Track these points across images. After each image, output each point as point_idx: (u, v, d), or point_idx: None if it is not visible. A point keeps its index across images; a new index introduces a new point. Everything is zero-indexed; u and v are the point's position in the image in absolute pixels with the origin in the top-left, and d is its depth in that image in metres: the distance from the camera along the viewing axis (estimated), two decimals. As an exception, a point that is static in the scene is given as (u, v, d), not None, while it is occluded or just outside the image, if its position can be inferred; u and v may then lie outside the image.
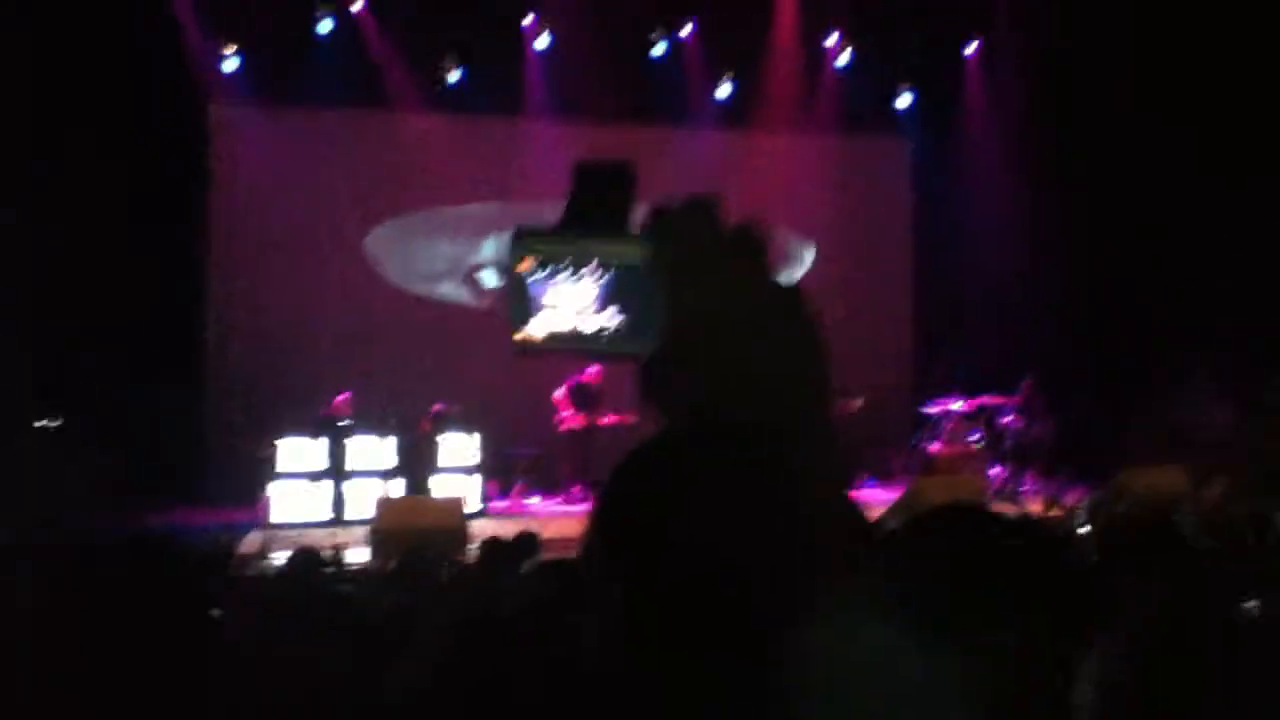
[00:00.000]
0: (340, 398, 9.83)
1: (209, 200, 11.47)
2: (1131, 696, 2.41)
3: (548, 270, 2.43)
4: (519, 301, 2.38)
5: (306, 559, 5.91)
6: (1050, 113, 12.16)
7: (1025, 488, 10.86)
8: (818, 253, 13.70)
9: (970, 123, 13.65)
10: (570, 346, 2.54)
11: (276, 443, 9.14)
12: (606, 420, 10.44)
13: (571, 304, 2.40)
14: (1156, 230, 11.21)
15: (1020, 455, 11.19)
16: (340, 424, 9.51)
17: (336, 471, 9.10)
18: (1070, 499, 9.53)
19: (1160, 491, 8.77)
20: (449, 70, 11.98)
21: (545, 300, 2.41)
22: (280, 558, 6.44)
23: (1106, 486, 9.44)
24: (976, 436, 11.35)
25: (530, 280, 2.44)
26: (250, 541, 8.24)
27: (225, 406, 10.92)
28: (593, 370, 10.60)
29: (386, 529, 7.44)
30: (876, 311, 13.42)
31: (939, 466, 10.91)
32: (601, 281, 2.36)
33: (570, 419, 10.67)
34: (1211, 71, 10.75)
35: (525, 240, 2.45)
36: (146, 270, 9.99)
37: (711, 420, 1.59)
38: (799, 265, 13.78)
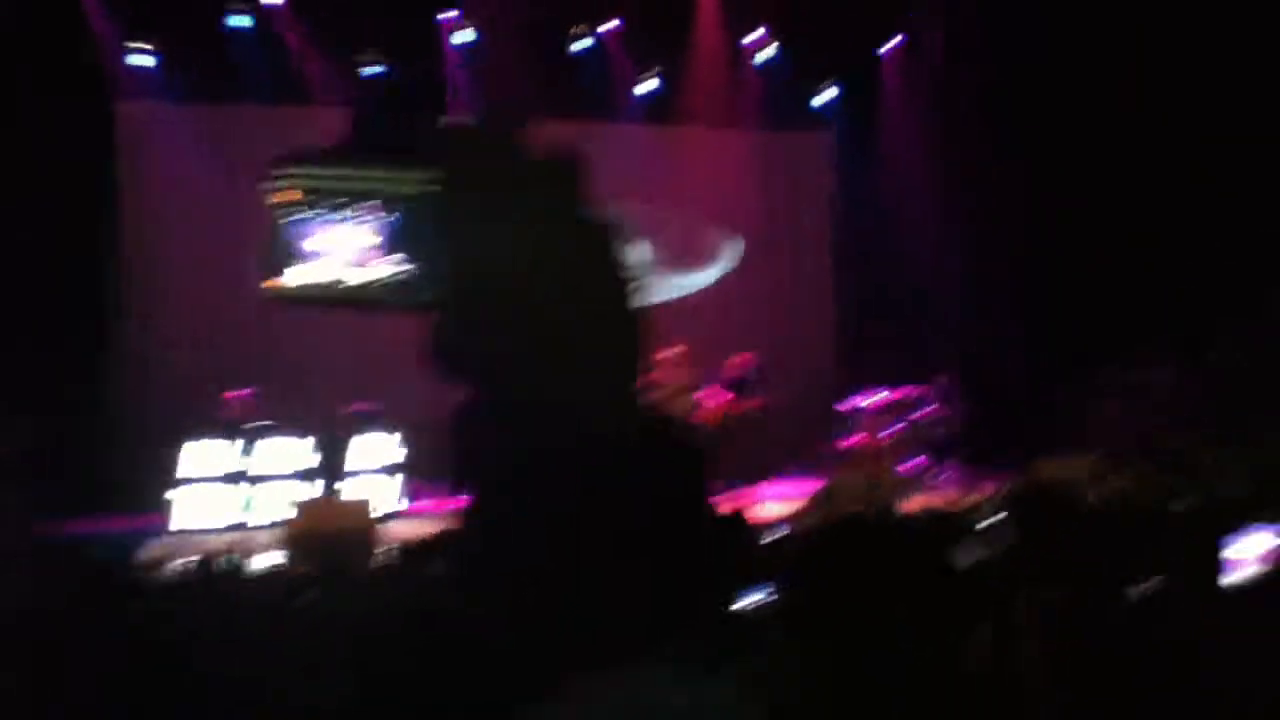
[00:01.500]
0: (238, 395, 9.63)
1: (117, 200, 11.25)
2: (1035, 675, 2.43)
3: (316, 208, 2.00)
4: (274, 242, 2.09)
5: (206, 565, 5.84)
6: (969, 108, 12.33)
7: (944, 477, 11.02)
8: (740, 247, 13.78)
9: (890, 117, 13.80)
10: (331, 297, 2.12)
11: (185, 446, 9.00)
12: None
13: (344, 251, 2.03)
14: (1071, 224, 11.41)
15: (939, 446, 11.35)
16: (252, 425, 9.39)
17: (246, 475, 8.97)
18: (986, 488, 9.67)
19: (1069, 480, 8.95)
20: (368, 65, 11.86)
21: (310, 244, 2.03)
22: (181, 564, 6.35)
23: (1019, 476, 9.61)
24: (897, 428, 11.49)
25: (291, 219, 2.02)
26: (152, 548, 8.11)
27: (134, 411, 10.73)
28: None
29: (298, 532, 7.33)
30: (800, 304, 13.55)
31: (858, 458, 11.02)
32: (387, 222, 2.07)
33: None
34: (1124, 64, 10.96)
35: (288, 167, 2.04)
36: (50, 270, 9.79)
37: (504, 393, 1.44)
38: (728, 260, 13.85)
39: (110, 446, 10.54)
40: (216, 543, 8.20)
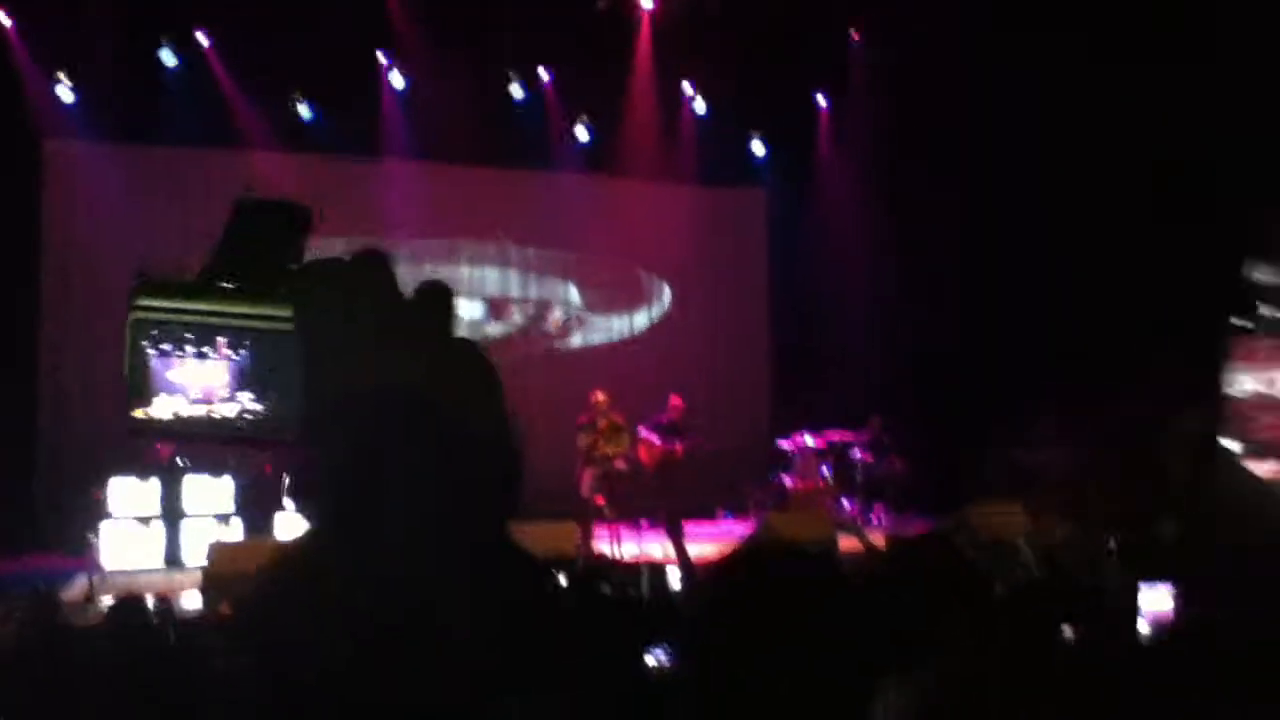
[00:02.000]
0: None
1: (41, 239, 11.05)
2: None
3: (168, 342, 1.86)
4: (140, 370, 1.90)
5: (128, 608, 5.68)
6: (899, 160, 12.58)
7: (874, 521, 11.11)
8: (675, 295, 13.90)
9: (822, 171, 14.06)
10: (201, 433, 1.95)
11: (107, 483, 8.79)
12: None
13: (199, 388, 1.90)
14: (999, 275, 11.64)
15: (869, 489, 11.46)
16: (173, 464, 9.20)
17: (170, 514, 8.77)
18: (914, 532, 9.75)
19: (999, 526, 9.09)
20: (297, 107, 11.84)
21: (171, 377, 1.89)
22: (105, 604, 6.19)
23: (949, 520, 9.72)
24: (827, 471, 11.58)
25: (150, 350, 1.86)
26: (76, 588, 7.90)
27: (56, 449, 10.47)
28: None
29: (217, 574, 7.19)
30: (734, 352, 13.67)
31: (791, 500, 11.08)
32: (237, 359, 1.94)
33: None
34: (1050, 119, 11.25)
35: (147, 297, 1.92)
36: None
37: (354, 537, 1.35)
38: (657, 305, 13.96)
39: (32, 484, 10.28)
40: (143, 583, 8.02)
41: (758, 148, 13.96)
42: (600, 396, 10.50)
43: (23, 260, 10.80)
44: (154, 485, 8.88)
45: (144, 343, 1.86)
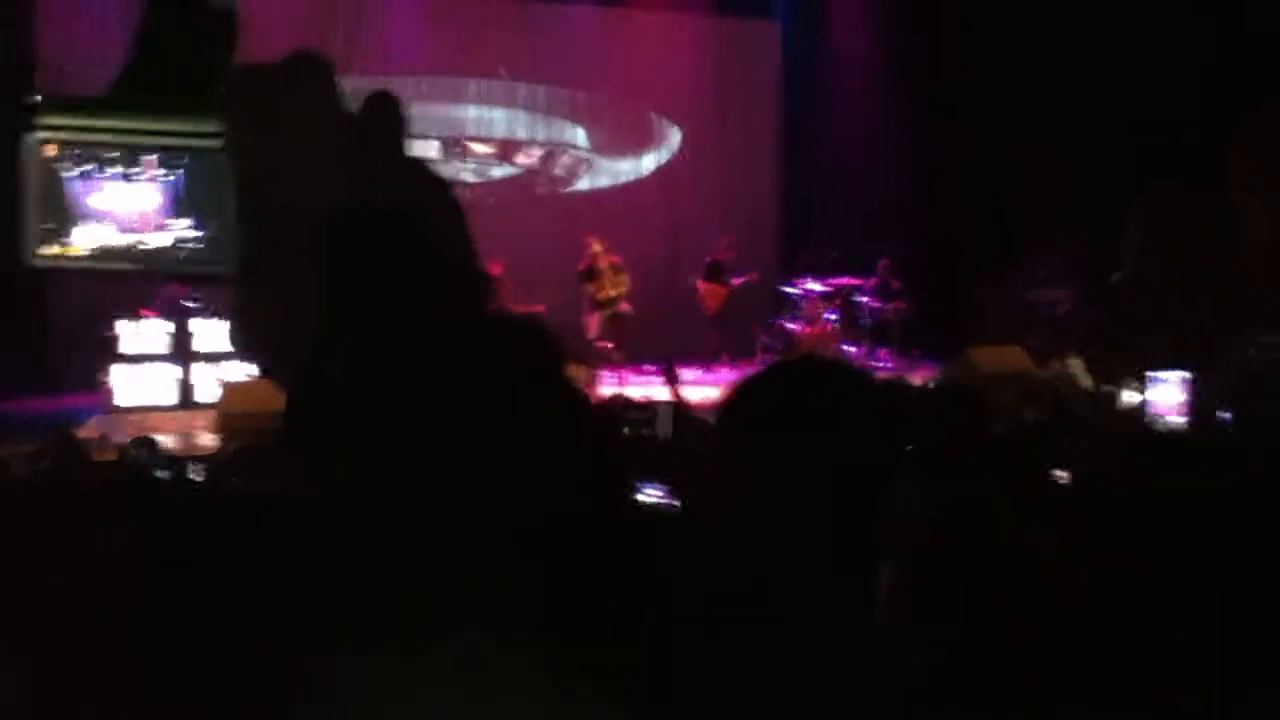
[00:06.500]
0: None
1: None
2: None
3: (85, 163, 1.60)
4: (44, 199, 1.65)
5: (141, 444, 5.81)
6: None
7: (880, 365, 11.18)
8: (685, 134, 13.69)
9: (838, 4, 13.64)
10: (130, 268, 1.71)
11: (118, 324, 8.86)
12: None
13: (128, 215, 1.63)
14: (1008, 115, 11.41)
15: (875, 334, 11.50)
16: (186, 304, 9.25)
17: (182, 354, 8.86)
18: (921, 376, 9.82)
19: (1004, 368, 9.13)
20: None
21: (93, 203, 1.63)
22: (121, 442, 6.32)
23: (953, 364, 9.79)
24: (834, 316, 11.60)
25: (67, 175, 1.62)
26: (92, 426, 8.06)
27: (66, 288, 10.51)
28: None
29: (229, 412, 7.31)
30: (742, 192, 13.53)
31: (798, 346, 11.14)
32: (168, 180, 1.67)
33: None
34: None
35: (50, 115, 1.66)
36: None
37: (311, 388, 1.16)
38: (666, 147, 13.77)
39: (44, 325, 10.37)
40: (155, 421, 8.18)
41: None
42: (595, 242, 10.51)
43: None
44: (164, 325, 8.94)
45: (57, 166, 1.65)
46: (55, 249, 1.67)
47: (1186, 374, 7.27)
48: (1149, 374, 7.41)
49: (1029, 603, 1.69)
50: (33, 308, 10.21)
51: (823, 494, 1.33)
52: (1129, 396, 7.62)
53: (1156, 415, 7.00)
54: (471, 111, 12.85)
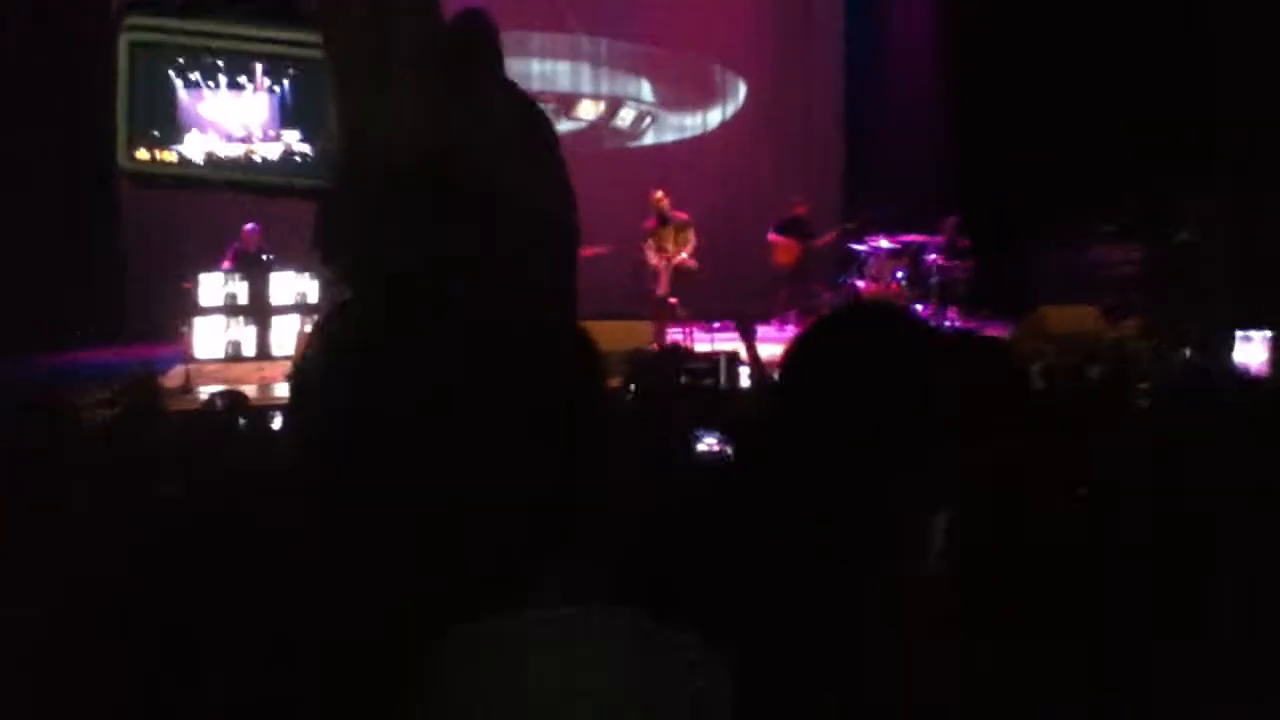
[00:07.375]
0: (248, 228, 9.53)
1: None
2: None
3: (196, 71, 1.54)
4: (162, 103, 1.57)
5: (227, 395, 5.89)
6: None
7: (947, 325, 11.07)
8: (749, 87, 13.57)
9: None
10: (239, 179, 1.65)
11: (198, 277, 8.97)
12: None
13: (235, 126, 1.57)
14: (1074, 74, 11.23)
15: (942, 294, 11.38)
16: (261, 258, 9.34)
17: (259, 307, 8.96)
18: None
19: (1075, 328, 9.04)
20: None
21: (203, 112, 1.56)
22: (204, 392, 6.43)
23: (1023, 323, 9.69)
24: (901, 274, 11.49)
25: (177, 79, 1.55)
26: (174, 376, 8.20)
27: (144, 241, 10.66)
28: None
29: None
30: (806, 148, 13.40)
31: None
32: (276, 93, 1.60)
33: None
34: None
35: (138, 15, 1.58)
36: (60, 105, 9.58)
37: (404, 298, 1.11)
38: (732, 101, 13.65)
39: (123, 278, 10.53)
40: (235, 372, 8.31)
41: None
42: (659, 195, 10.45)
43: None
44: (240, 279, 9.05)
45: (169, 70, 1.57)
46: (160, 155, 1.60)
47: (1269, 333, 7.19)
48: (1232, 333, 7.33)
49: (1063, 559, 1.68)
50: (112, 258, 10.40)
51: (876, 441, 1.34)
52: (1198, 357, 7.54)
53: (1233, 373, 6.93)
54: (535, 66, 12.80)
